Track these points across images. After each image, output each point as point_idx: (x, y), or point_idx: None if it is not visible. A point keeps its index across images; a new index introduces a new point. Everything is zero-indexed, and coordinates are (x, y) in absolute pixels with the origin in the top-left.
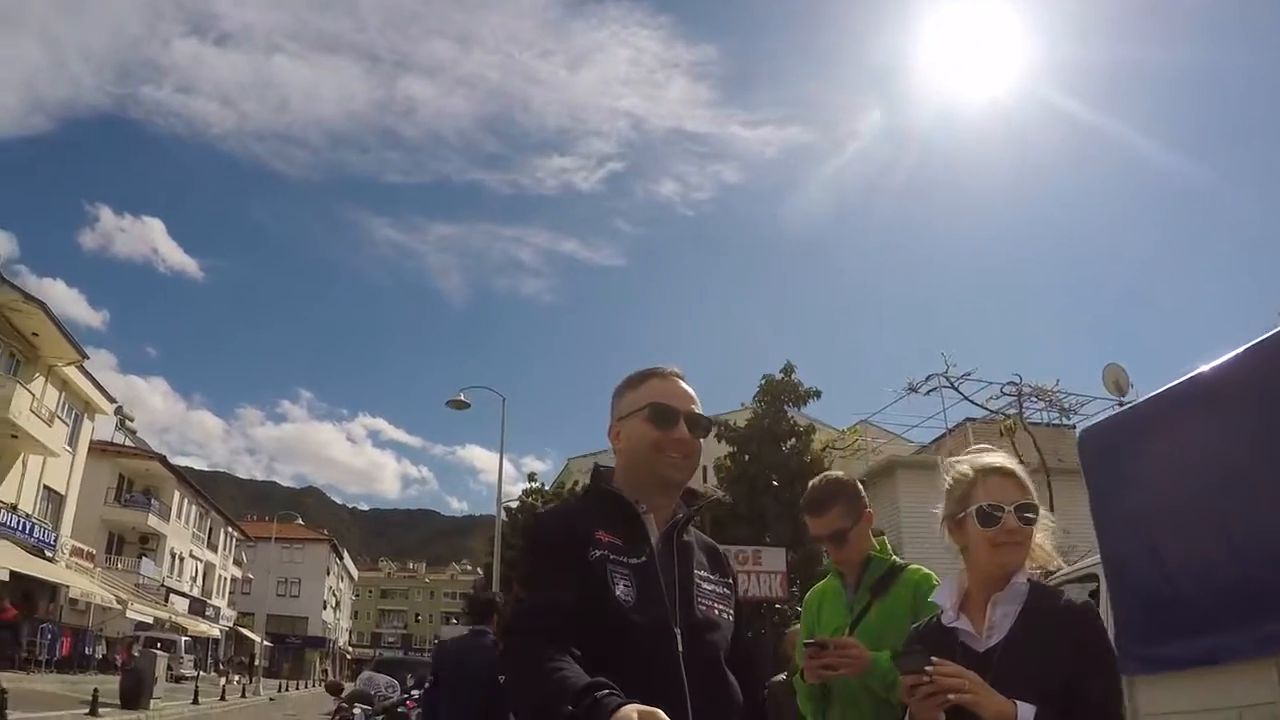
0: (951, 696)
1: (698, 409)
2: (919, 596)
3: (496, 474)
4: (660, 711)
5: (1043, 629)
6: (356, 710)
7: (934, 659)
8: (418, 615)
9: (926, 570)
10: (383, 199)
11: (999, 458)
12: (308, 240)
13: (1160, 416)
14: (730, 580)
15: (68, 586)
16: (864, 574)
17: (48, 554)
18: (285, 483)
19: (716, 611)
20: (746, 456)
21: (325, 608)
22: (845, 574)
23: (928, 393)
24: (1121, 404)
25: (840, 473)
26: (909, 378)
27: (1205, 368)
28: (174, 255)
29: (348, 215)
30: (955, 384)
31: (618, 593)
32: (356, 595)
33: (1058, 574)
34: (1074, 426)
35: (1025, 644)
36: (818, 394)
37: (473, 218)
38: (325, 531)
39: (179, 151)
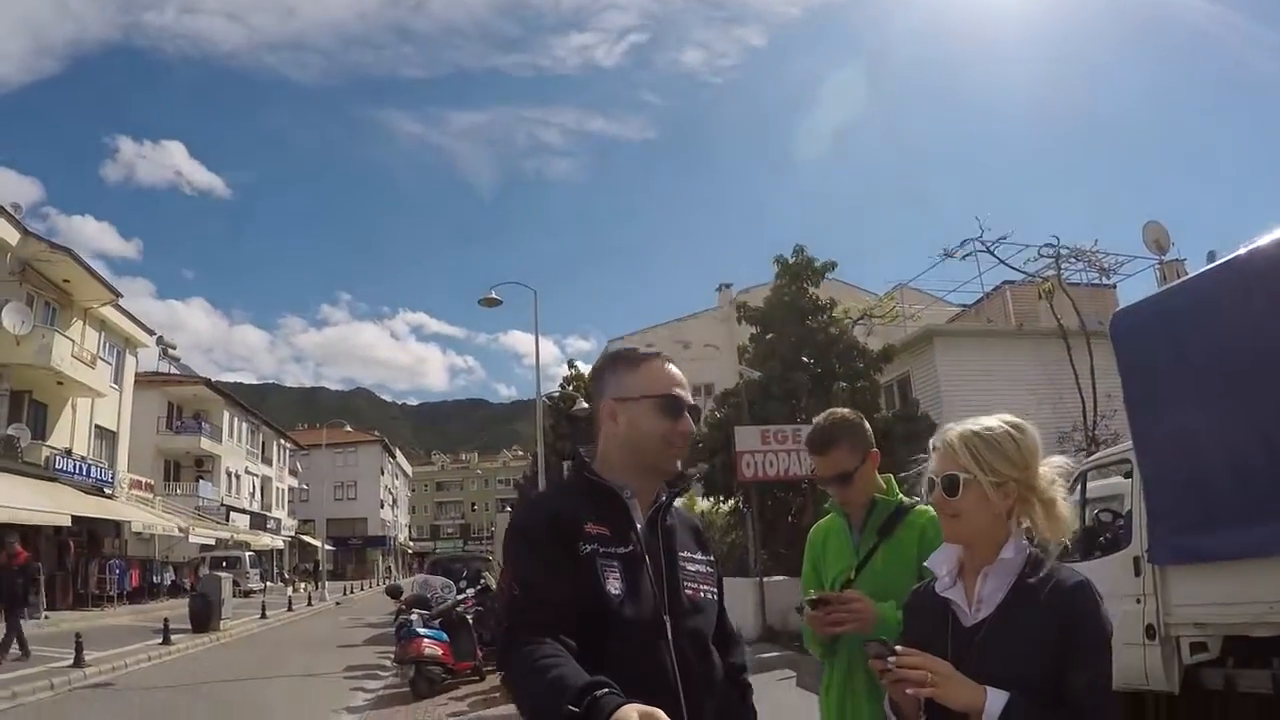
0: (909, 691)
1: (690, 395)
2: (925, 540)
3: (541, 356)
4: (660, 711)
5: (1031, 608)
6: (413, 615)
7: (897, 649)
8: (473, 504)
9: (929, 515)
10: (402, 95)
11: (946, 432)
12: (331, 145)
13: (1197, 300)
14: (712, 558)
15: (129, 522)
16: (869, 516)
17: (107, 491)
18: (334, 386)
19: (702, 594)
20: (770, 335)
21: (383, 507)
22: (850, 514)
23: (963, 258)
24: (1162, 263)
25: (846, 410)
26: (943, 244)
27: (1243, 251)
28: (198, 175)
29: (368, 115)
30: (991, 248)
31: (609, 588)
32: (412, 491)
33: (1092, 459)
34: (1114, 287)
35: (1011, 622)
36: (833, 265)
37: (495, 104)
38: (376, 432)
39: (190, 72)
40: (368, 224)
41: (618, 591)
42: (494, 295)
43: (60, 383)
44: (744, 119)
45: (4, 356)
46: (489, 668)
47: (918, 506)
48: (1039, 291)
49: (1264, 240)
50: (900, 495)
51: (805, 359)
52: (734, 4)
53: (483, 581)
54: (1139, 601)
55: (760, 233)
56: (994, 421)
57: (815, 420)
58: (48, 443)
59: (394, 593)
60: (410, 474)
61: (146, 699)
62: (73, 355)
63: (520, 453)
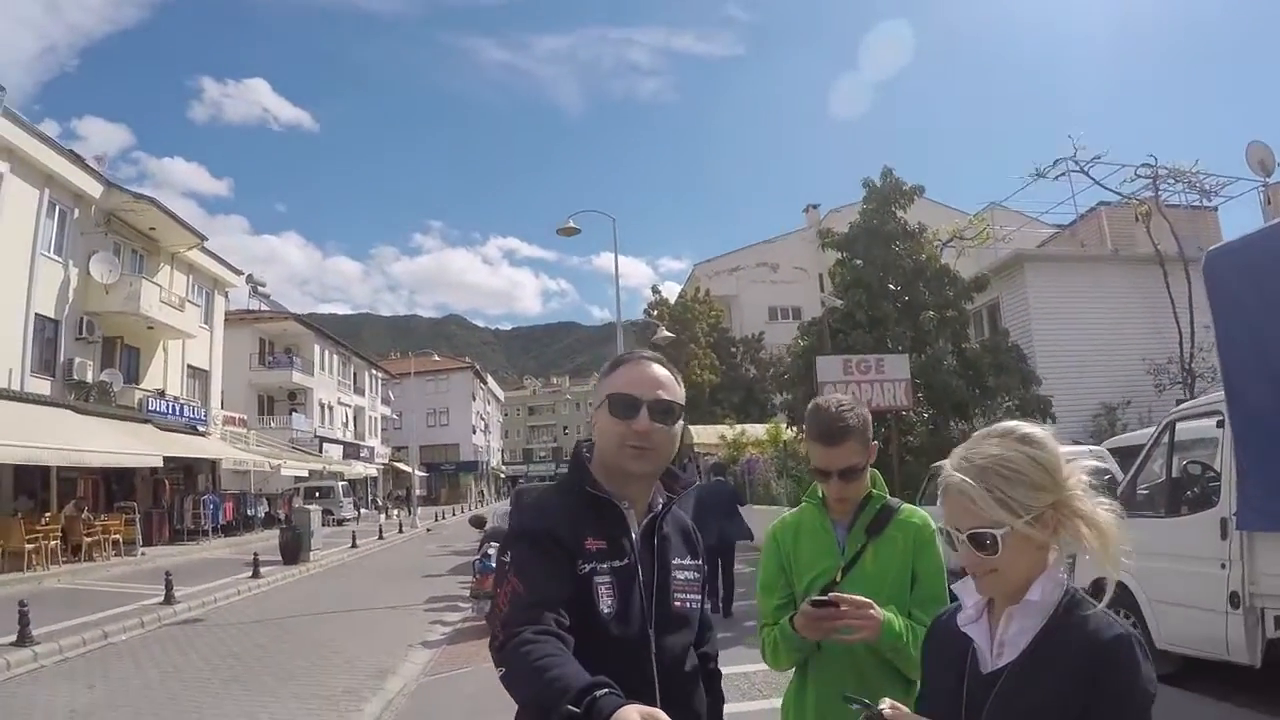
0: None
1: (667, 394)
2: (920, 545)
3: (632, 280)
4: (661, 713)
5: (1061, 659)
6: (491, 548)
7: (885, 712)
8: (565, 428)
9: (925, 514)
10: (484, 21)
11: (951, 477)
12: (415, 74)
13: None
14: (700, 560)
15: (222, 460)
16: (860, 513)
17: (200, 429)
18: (427, 314)
19: (688, 604)
20: (858, 261)
21: (474, 432)
22: (835, 510)
23: (1056, 178)
24: (1267, 185)
25: (851, 399)
26: (1035, 163)
27: None
28: (284, 111)
29: (451, 42)
30: (1085, 168)
31: (601, 606)
32: (505, 415)
33: (1181, 407)
34: (1215, 210)
35: (1035, 673)
36: (922, 190)
37: (579, 25)
38: (466, 359)
39: (269, 10)
40: (457, 152)
41: (609, 610)
42: (572, 224)
43: (150, 327)
44: (835, 29)
45: (94, 305)
46: None
47: (905, 506)
48: (1135, 214)
49: None
50: (886, 495)
51: (892, 286)
52: None
53: None
54: (1224, 567)
55: (849, 152)
56: (1002, 446)
57: (819, 407)
58: (140, 386)
59: (478, 522)
60: (502, 399)
61: (231, 635)
62: (161, 300)
63: None
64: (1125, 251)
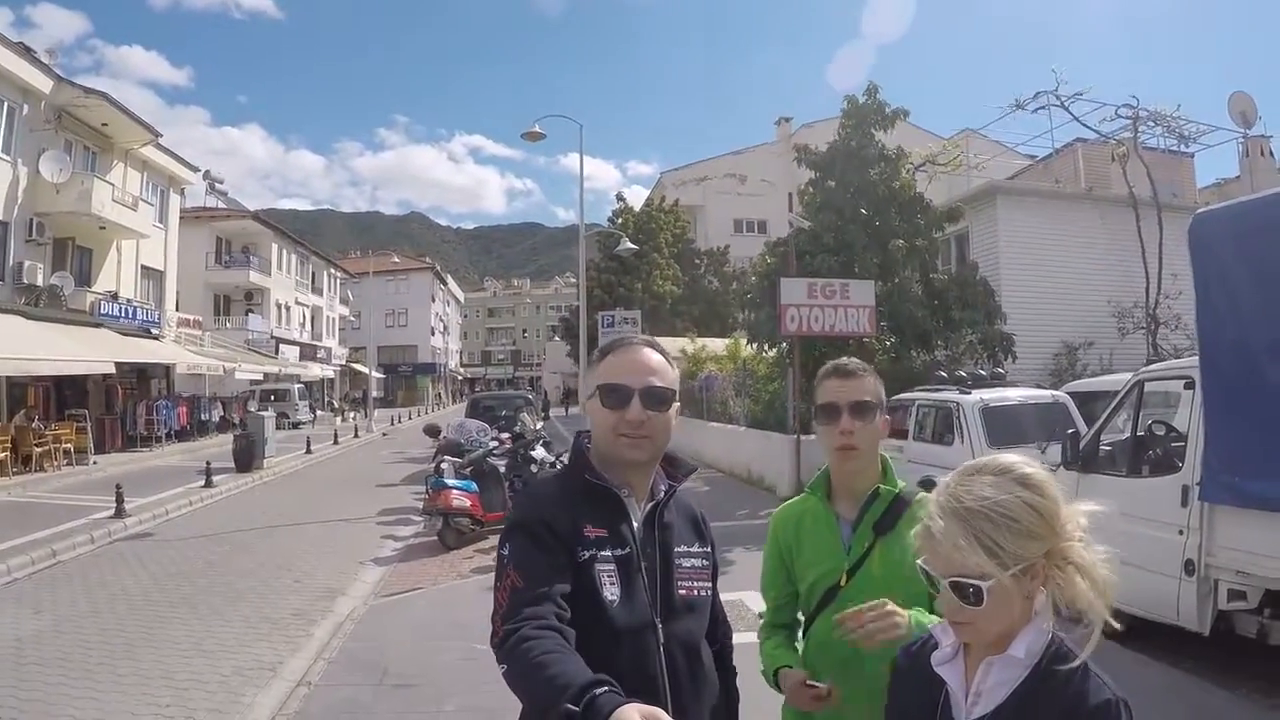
0: None
1: (659, 380)
2: None
3: (599, 183)
4: (661, 712)
5: (1041, 719)
6: (445, 464)
7: None
8: (524, 330)
9: None
10: None
11: (934, 520)
12: None
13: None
14: (709, 548)
15: (176, 364)
16: (868, 507)
17: (154, 332)
18: (389, 211)
19: (696, 592)
20: (831, 183)
21: (433, 334)
22: (839, 499)
23: (1035, 110)
24: (1247, 137)
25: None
26: (1016, 94)
27: None
28: None
29: None
30: (1065, 103)
31: (605, 594)
32: (464, 317)
33: (1151, 369)
34: (1193, 156)
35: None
36: (905, 113)
37: None
38: (427, 259)
39: None
40: (427, 46)
41: (613, 597)
42: (538, 129)
43: (102, 228)
44: None
45: (44, 205)
46: None
47: (920, 496)
48: (1112, 154)
49: None
50: (899, 483)
51: (863, 211)
52: None
53: (518, 426)
54: (1181, 533)
55: (825, 67)
56: (996, 488)
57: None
58: (93, 288)
59: (432, 431)
60: (462, 300)
61: (181, 551)
62: (114, 199)
63: (573, 279)
64: (1099, 191)
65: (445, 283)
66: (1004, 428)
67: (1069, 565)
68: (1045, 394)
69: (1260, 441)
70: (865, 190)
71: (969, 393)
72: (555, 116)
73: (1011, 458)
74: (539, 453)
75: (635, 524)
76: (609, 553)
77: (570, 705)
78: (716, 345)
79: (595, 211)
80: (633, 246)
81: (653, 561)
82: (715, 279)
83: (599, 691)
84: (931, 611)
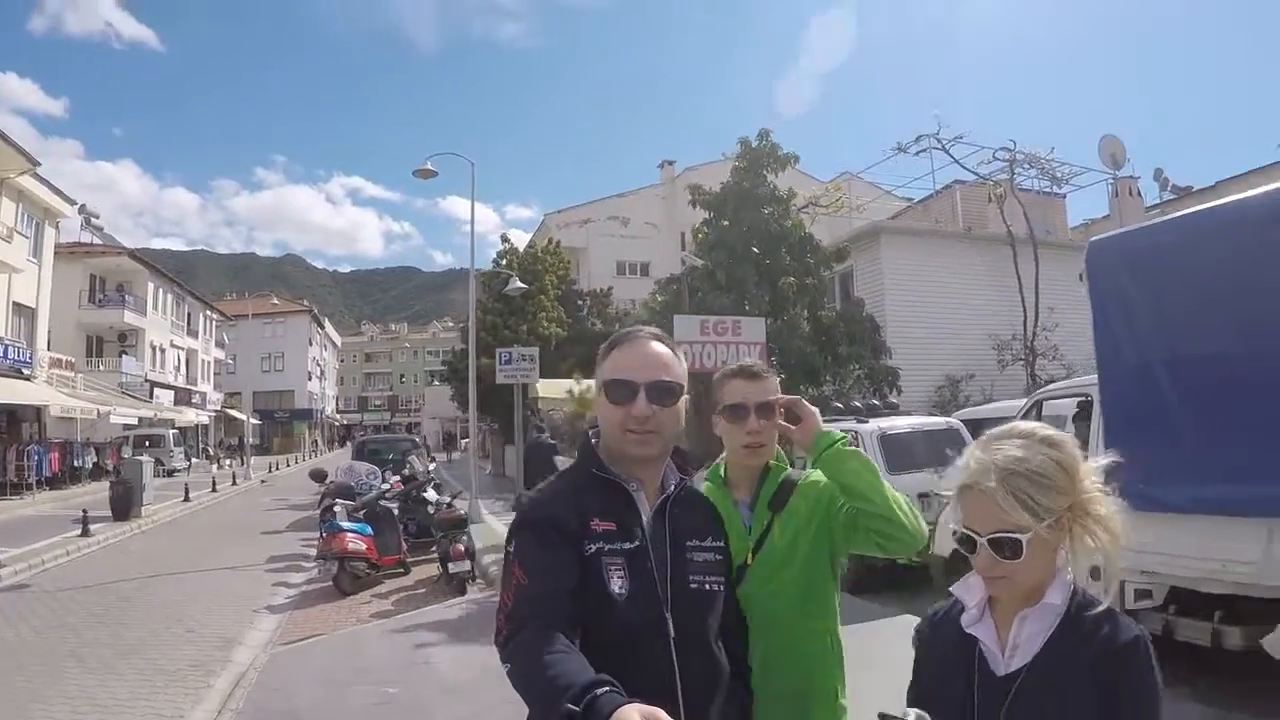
0: None
1: (665, 374)
2: (828, 499)
3: (481, 224)
4: (661, 711)
5: (1076, 662)
6: (337, 506)
7: None
8: (402, 376)
9: (820, 479)
10: None
11: (981, 476)
12: None
13: (1186, 239)
14: (722, 543)
15: (48, 406)
16: (762, 486)
17: (25, 373)
18: (265, 252)
19: (708, 586)
20: (724, 222)
21: (310, 379)
22: (736, 485)
23: (917, 153)
24: (1116, 177)
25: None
26: (898, 138)
27: (1234, 198)
28: (129, 27)
29: None
30: (946, 146)
31: (612, 588)
32: (341, 362)
33: (1049, 388)
34: (1064, 196)
35: (1052, 677)
36: (796, 158)
37: None
38: (305, 302)
39: None
40: (307, 85)
41: (621, 590)
42: (429, 166)
43: None
44: None
45: None
46: (414, 560)
47: (805, 473)
48: (989, 194)
49: (1268, 188)
50: (787, 465)
51: (755, 250)
52: None
53: (408, 468)
54: None
55: (707, 114)
56: (1024, 449)
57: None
58: None
59: (318, 476)
60: (339, 344)
61: (63, 603)
62: None
63: (451, 324)
64: (978, 230)
65: (323, 326)
66: (902, 454)
67: (1088, 518)
68: (939, 421)
69: (1157, 449)
70: (757, 229)
71: (866, 421)
72: (446, 154)
73: (1029, 424)
74: (431, 494)
75: (645, 518)
76: (617, 546)
77: (571, 705)
78: None
79: (476, 255)
80: (523, 286)
81: (663, 555)
82: (598, 320)
83: (600, 691)
84: (827, 577)
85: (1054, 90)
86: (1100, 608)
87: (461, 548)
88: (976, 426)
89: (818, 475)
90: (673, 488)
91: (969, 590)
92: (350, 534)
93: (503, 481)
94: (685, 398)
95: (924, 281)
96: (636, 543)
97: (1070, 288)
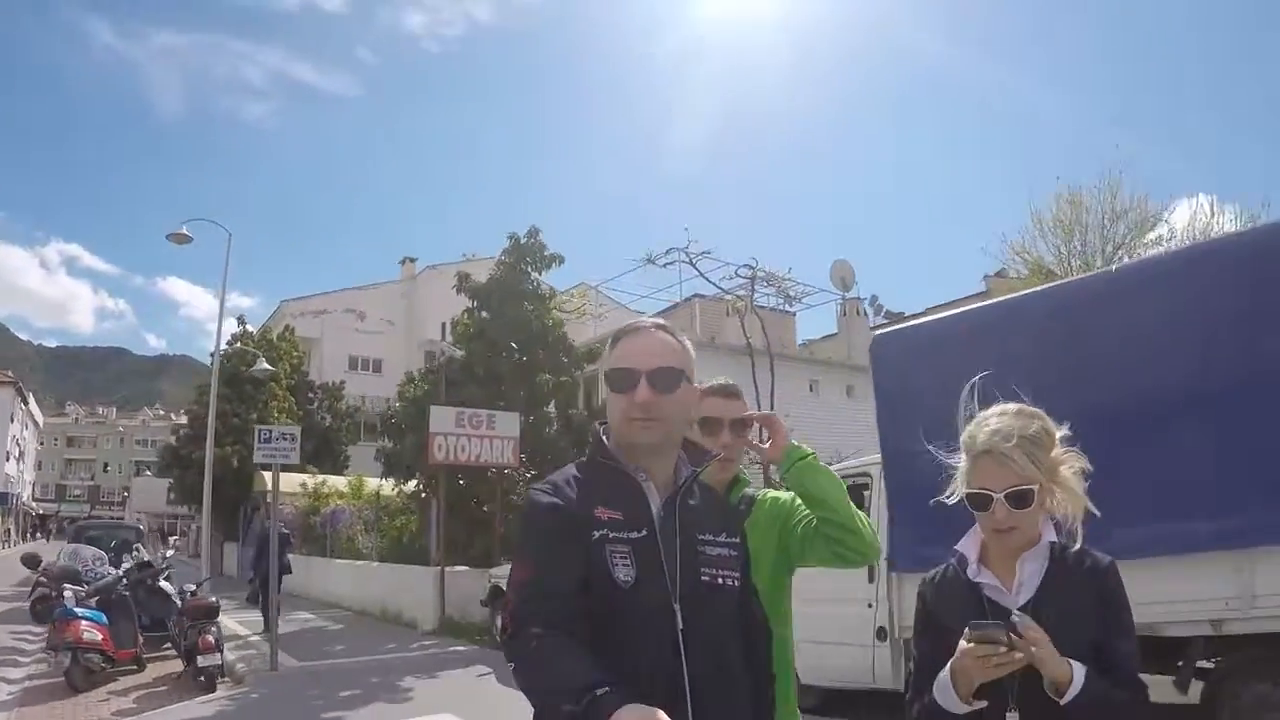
0: (1028, 652)
1: (666, 361)
2: (782, 518)
3: (200, 309)
4: (660, 712)
5: (1070, 588)
6: (67, 592)
7: (1015, 621)
8: (107, 465)
9: (775, 493)
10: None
11: (999, 442)
12: (17, 42)
13: (953, 334)
14: (738, 539)
15: None
16: (729, 495)
17: None
18: None
19: (720, 580)
20: (485, 314)
21: (8, 459)
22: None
23: (665, 265)
24: (845, 298)
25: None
26: (649, 249)
27: (1006, 298)
28: None
29: (65, 17)
30: (693, 260)
31: (617, 575)
32: (41, 444)
33: (833, 467)
34: (794, 314)
35: (1055, 601)
36: (561, 260)
37: (202, 29)
38: (9, 374)
39: None
40: (36, 136)
41: (627, 578)
42: (185, 232)
43: None
44: (457, 93)
45: None
46: (149, 655)
47: (763, 492)
48: (730, 308)
49: (1041, 288)
50: (749, 483)
51: (514, 344)
52: None
53: (136, 555)
54: (870, 606)
55: (452, 215)
56: (1017, 419)
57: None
58: None
59: (31, 562)
60: (41, 424)
61: None
62: None
63: (162, 412)
64: (719, 341)
65: (26, 402)
66: None
67: (1057, 477)
68: None
69: (936, 516)
70: (518, 325)
71: None
72: (201, 220)
73: (1007, 405)
74: (167, 585)
75: (654, 508)
76: (623, 535)
77: (571, 706)
78: (338, 481)
79: (189, 343)
80: (269, 368)
81: (672, 546)
82: (328, 415)
83: (600, 692)
84: (785, 584)
85: (795, 214)
86: (1075, 547)
87: (211, 639)
88: None
89: (775, 492)
90: (682, 483)
91: (970, 547)
92: (85, 622)
93: (221, 582)
94: (691, 386)
95: None
96: (644, 532)
97: (801, 398)
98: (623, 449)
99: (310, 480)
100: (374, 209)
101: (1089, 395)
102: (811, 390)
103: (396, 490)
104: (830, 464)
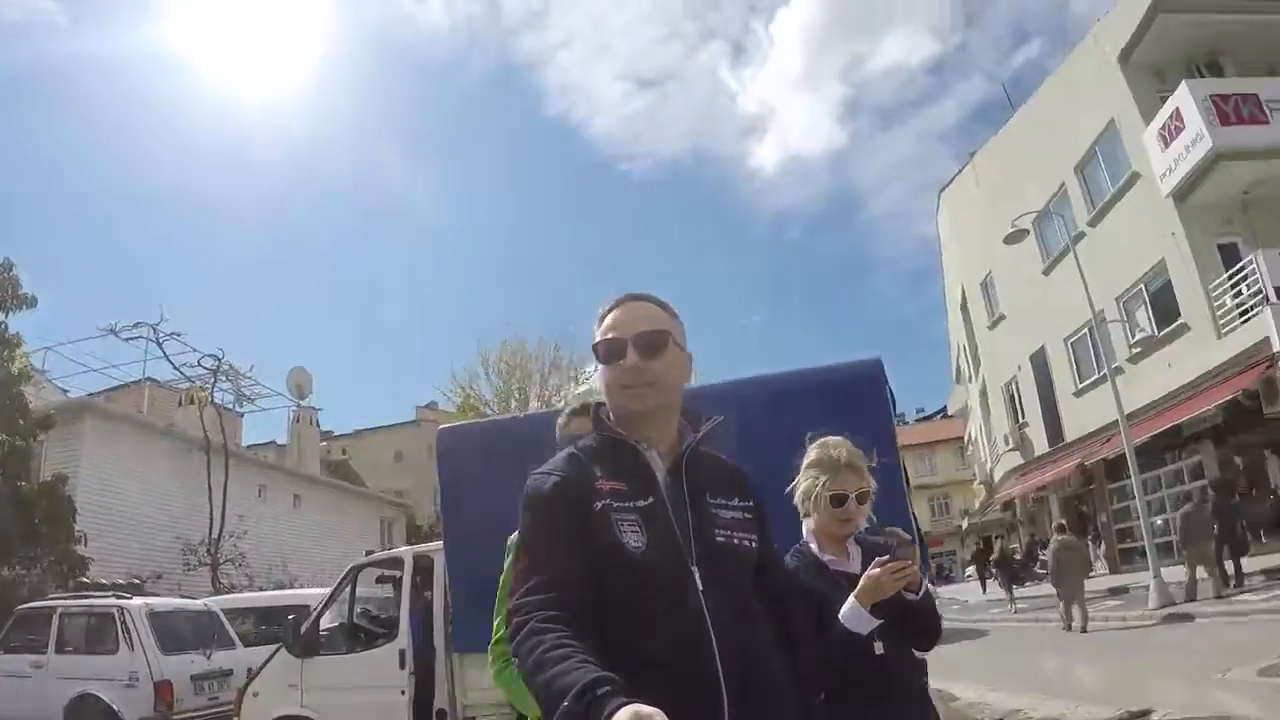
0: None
1: (650, 325)
2: None
3: None
4: (660, 712)
5: (870, 557)
6: None
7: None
8: None
9: None
10: None
11: (849, 452)
12: None
13: (516, 432)
14: (750, 503)
15: None
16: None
17: None
18: None
19: (736, 540)
20: None
21: None
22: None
23: (128, 339)
24: (300, 406)
25: None
26: (118, 318)
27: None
28: None
29: None
30: (161, 340)
31: (627, 541)
32: None
33: (368, 559)
34: (243, 414)
35: (867, 565)
36: (34, 301)
37: None
38: None
39: None
40: None
41: (637, 543)
42: None
43: None
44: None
45: None
46: None
47: None
48: (189, 396)
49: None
50: None
51: None
52: None
53: None
54: (403, 693)
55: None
56: (842, 441)
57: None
58: None
59: None
60: None
61: None
62: None
63: None
64: (176, 428)
65: None
66: (170, 632)
67: None
68: (197, 603)
69: (478, 598)
70: None
71: (130, 598)
72: None
73: (839, 437)
74: None
75: (659, 475)
76: (628, 504)
77: (571, 706)
78: None
79: None
80: None
81: (682, 510)
82: None
83: (600, 692)
84: None
85: (263, 310)
86: (865, 526)
87: None
88: (240, 614)
89: None
90: (685, 448)
91: (811, 539)
92: None
93: None
94: (682, 352)
95: (122, 471)
96: (650, 499)
97: (249, 502)
98: (621, 422)
99: None
100: None
101: None
102: (260, 495)
103: None
104: (271, 572)
